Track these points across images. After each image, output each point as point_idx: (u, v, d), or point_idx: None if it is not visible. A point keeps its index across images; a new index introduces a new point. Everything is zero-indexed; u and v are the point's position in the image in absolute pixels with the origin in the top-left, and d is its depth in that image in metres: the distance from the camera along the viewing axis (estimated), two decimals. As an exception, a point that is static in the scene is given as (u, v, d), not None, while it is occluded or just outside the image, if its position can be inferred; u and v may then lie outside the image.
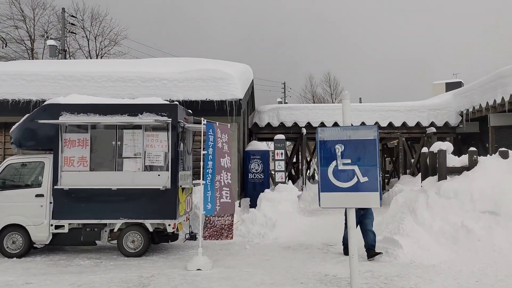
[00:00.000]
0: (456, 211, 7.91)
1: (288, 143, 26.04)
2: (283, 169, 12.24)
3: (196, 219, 9.92)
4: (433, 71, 60.10)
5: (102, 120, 7.64)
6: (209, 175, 7.36)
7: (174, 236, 8.12)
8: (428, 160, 8.97)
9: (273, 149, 12.67)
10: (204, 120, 7.41)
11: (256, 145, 13.17)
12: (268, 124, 16.22)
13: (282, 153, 12.30)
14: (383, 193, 17.77)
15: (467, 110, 15.05)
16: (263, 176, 12.85)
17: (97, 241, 7.93)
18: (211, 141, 7.36)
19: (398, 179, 17.40)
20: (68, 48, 26.98)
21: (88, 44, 27.97)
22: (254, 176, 12.89)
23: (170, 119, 7.66)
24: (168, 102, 8.29)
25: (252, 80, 15.36)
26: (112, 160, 7.73)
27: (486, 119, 15.32)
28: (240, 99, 11.46)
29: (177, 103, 7.88)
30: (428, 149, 15.91)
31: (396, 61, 67.90)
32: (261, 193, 10.79)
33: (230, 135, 12.13)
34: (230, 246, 8.60)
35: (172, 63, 12.73)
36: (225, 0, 77.58)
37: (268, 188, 12.63)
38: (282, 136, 12.54)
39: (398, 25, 76.59)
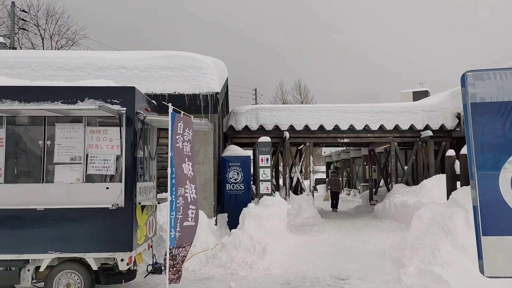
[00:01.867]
0: (509, 231, 5.89)
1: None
2: (269, 178, 10.00)
3: (162, 244, 7.50)
4: (400, 80, 59.77)
5: (23, 109, 5.16)
6: (174, 189, 5.04)
7: (130, 274, 5.66)
8: (459, 165, 6.94)
9: (257, 155, 10.35)
10: (170, 107, 5.08)
11: (235, 150, 10.87)
12: (246, 128, 13.97)
13: (267, 159, 10.05)
14: (374, 203, 15.84)
15: (466, 111, 13.30)
16: (243, 187, 10.54)
17: (15, 285, 5.39)
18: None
19: (389, 189, 15.48)
20: (20, 46, 23.89)
21: (43, 43, 24.92)
22: (233, 186, 10.57)
23: (125, 109, 5.28)
24: (123, 86, 5.87)
25: (227, 78, 13.07)
26: (38, 168, 5.26)
27: (486, 122, 13.67)
28: (217, 93, 9.16)
29: (135, 86, 5.49)
30: (424, 154, 14.12)
31: (364, 71, 67.33)
32: (244, 209, 8.49)
33: (205, 136, 9.82)
34: (209, 284, 6.24)
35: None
36: (197, 9, 75.23)
37: (250, 201, 10.33)
38: (267, 139, 10.29)
39: (367, 36, 76.43)
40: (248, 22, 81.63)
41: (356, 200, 20.71)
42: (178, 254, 5.24)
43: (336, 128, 14.03)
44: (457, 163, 7.18)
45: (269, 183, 9.85)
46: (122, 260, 5.16)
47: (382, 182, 18.19)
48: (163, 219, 7.67)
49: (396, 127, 14.01)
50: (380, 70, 66.32)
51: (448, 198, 7.13)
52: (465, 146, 7.67)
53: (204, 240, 7.59)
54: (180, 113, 5.39)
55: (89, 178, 5.27)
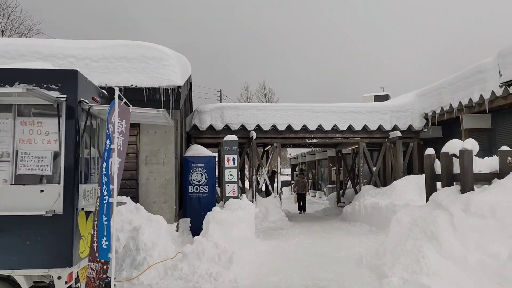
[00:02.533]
0: (497, 236, 5.37)
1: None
2: (236, 179, 9.19)
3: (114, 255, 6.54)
4: (362, 84, 60.55)
5: None
6: (105, 188, 4.17)
7: (71, 293, 4.71)
8: (440, 165, 6.40)
9: (222, 154, 9.51)
10: (117, 91, 4.21)
11: (199, 150, 10.01)
12: (211, 127, 13.14)
13: (234, 159, 9.23)
14: (341, 206, 15.34)
15: (434, 111, 13.03)
16: (207, 189, 9.70)
17: None
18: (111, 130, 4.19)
19: (357, 190, 15.03)
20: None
21: (-6, 37, 23.05)
22: (196, 189, 9.70)
23: (65, 96, 4.36)
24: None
25: (190, 76, 12.18)
26: (-46, 166, 4.25)
27: (453, 122, 13.43)
28: (179, 87, 8.30)
29: (78, 70, 4.57)
30: (393, 155, 13.71)
31: (327, 75, 67.82)
32: (208, 213, 7.66)
33: (165, 134, 8.92)
34: (167, 300, 5.38)
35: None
36: (162, 10, 73.52)
37: (215, 204, 9.51)
38: (234, 137, 9.48)
39: (328, 41, 77.17)
40: (212, 24, 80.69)
41: (323, 202, 20.24)
42: (99, 268, 4.28)
43: (305, 128, 13.44)
44: (437, 162, 6.66)
45: (236, 185, 9.07)
46: (59, 277, 4.22)
47: (349, 184, 17.79)
48: (116, 225, 6.72)
49: (365, 128, 13.58)
50: (341, 74, 67.04)
51: (427, 199, 6.60)
52: (428, 149, 7.19)
53: (162, 248, 6.71)
54: (122, 99, 4.50)
55: (20, 179, 4.31)
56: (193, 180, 9.72)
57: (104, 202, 4.14)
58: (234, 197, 8.97)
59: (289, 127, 13.34)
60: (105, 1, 65.12)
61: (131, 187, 8.57)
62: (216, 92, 39.80)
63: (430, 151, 6.77)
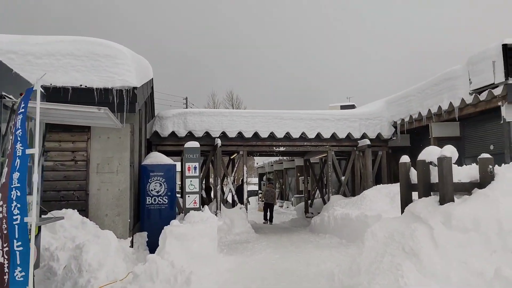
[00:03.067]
0: (480, 251, 4.88)
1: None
2: (198, 189, 8.41)
3: (52, 278, 5.66)
4: (328, 94, 61.07)
5: None
6: (15, 205, 3.30)
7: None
8: (417, 174, 5.91)
9: (183, 162, 8.72)
10: (37, 83, 3.44)
11: (158, 158, 9.21)
12: (173, 134, 12.35)
13: (195, 168, 8.46)
14: (310, 216, 14.74)
15: (402, 119, 12.75)
16: (167, 200, 8.89)
17: None
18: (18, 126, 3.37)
19: (325, 200, 14.53)
20: None
21: None
22: (155, 200, 8.88)
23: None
24: None
25: (152, 80, 11.38)
26: None
27: (422, 131, 13.19)
28: (134, 88, 7.51)
29: (-2, 58, 3.76)
30: (362, 164, 13.32)
31: (295, 84, 68.11)
32: (165, 228, 6.88)
33: (120, 140, 8.09)
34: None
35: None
36: (126, 16, 71.99)
37: (175, 217, 8.72)
38: (195, 144, 8.71)
39: (293, 51, 77.76)
40: (179, 32, 79.73)
41: (290, 212, 19.68)
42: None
43: (272, 136, 12.86)
44: (413, 171, 6.18)
45: (198, 195, 8.31)
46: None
47: (317, 194, 17.31)
48: (56, 243, 5.85)
49: (333, 136, 13.14)
50: (307, 85, 67.50)
51: (402, 211, 6.09)
52: (404, 157, 6.75)
53: (111, 268, 5.87)
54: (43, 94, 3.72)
55: None
56: (151, 190, 8.90)
57: (15, 223, 3.30)
58: (195, 209, 8.21)
59: (256, 135, 12.72)
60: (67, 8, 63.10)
61: (79, 199, 7.67)
62: (182, 100, 38.82)
63: (405, 158, 6.27)
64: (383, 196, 9.79)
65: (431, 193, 5.77)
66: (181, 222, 7.88)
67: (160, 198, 8.89)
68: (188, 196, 8.31)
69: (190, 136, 12.36)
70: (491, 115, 10.18)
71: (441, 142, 11.97)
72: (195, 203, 8.24)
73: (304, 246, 9.48)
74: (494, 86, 9.25)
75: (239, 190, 13.48)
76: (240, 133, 12.67)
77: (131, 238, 7.84)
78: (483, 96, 9.50)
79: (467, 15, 76.42)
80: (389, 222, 5.89)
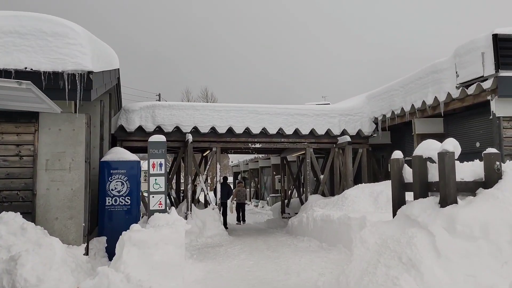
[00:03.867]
0: (489, 261, 4.15)
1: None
2: (163, 189, 7.43)
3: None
4: (302, 94, 60.74)
5: None
6: None
7: None
8: (412, 171, 5.15)
9: (147, 158, 7.67)
10: None
11: (120, 153, 8.19)
12: (140, 128, 11.33)
13: (161, 164, 7.46)
14: (286, 217, 13.91)
15: (384, 115, 12.09)
16: (129, 201, 7.89)
17: None
18: None
19: (303, 200, 13.75)
20: None
21: None
22: (116, 201, 7.87)
23: None
24: None
25: (118, 71, 10.29)
26: None
27: (403, 127, 12.59)
28: (90, 72, 6.49)
29: None
30: (341, 162, 12.60)
31: (267, 84, 67.48)
32: (123, 233, 5.92)
33: (73, 133, 7.04)
34: None
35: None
36: (102, 11, 69.70)
37: (138, 220, 7.74)
38: (161, 137, 7.70)
39: (266, 52, 77.17)
40: (152, 28, 77.79)
41: (266, 212, 18.87)
42: None
43: (247, 132, 11.99)
44: (407, 168, 5.41)
45: (163, 195, 7.34)
46: None
47: (294, 193, 16.55)
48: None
49: (312, 132, 12.38)
50: (282, 85, 66.99)
51: (394, 213, 5.31)
52: (396, 152, 6.01)
53: (54, 284, 4.89)
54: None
55: None
56: (112, 190, 7.88)
57: None
58: (160, 211, 7.25)
59: (230, 130, 11.83)
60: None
61: (24, 200, 6.59)
62: (155, 96, 37.44)
63: (398, 154, 5.50)
64: (366, 196, 9.07)
65: (429, 193, 5.02)
66: (144, 226, 6.91)
67: (122, 198, 7.88)
68: (153, 197, 7.32)
69: (159, 131, 11.37)
70: (478, 110, 9.60)
71: (424, 139, 11.29)
72: (160, 204, 7.27)
73: (282, 251, 8.66)
74: (483, 79, 8.65)
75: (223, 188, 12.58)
76: (213, 128, 11.75)
77: (86, 244, 6.82)
78: (471, 90, 8.88)
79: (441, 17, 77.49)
80: (380, 226, 5.10)
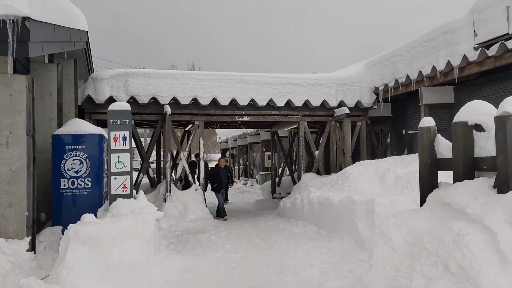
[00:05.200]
0: None
1: (144, 129, 20.52)
2: (128, 169, 5.92)
3: None
4: (293, 69, 59.03)
5: None
6: None
7: None
8: (453, 144, 3.76)
9: (108, 130, 6.13)
10: None
11: (79, 126, 6.67)
12: (111, 99, 9.74)
13: (125, 138, 5.88)
14: (277, 197, 12.61)
15: (386, 85, 10.68)
16: (90, 184, 6.44)
17: None
18: None
19: (295, 179, 12.41)
20: None
21: None
22: (73, 183, 6.41)
23: None
24: None
25: (86, 33, 8.61)
26: None
27: (405, 99, 11.23)
28: (26, 19, 4.91)
29: None
30: (338, 136, 11.21)
31: (259, 58, 65.48)
32: (70, 227, 4.49)
33: (10, 99, 5.49)
34: None
35: None
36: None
37: (100, 206, 6.31)
38: (124, 105, 6.06)
39: (261, 24, 74.84)
40: (137, 3, 74.64)
41: (255, 191, 17.56)
42: None
43: (234, 103, 10.52)
44: (440, 140, 4.03)
45: (128, 177, 5.84)
46: None
47: (286, 171, 15.21)
48: None
49: (306, 103, 10.96)
50: (272, 60, 64.99)
51: (423, 200, 3.96)
52: (426, 119, 4.65)
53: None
54: None
55: None
56: (68, 170, 6.41)
57: None
58: (124, 196, 5.83)
59: (214, 101, 10.34)
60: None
61: None
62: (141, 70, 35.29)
63: (428, 121, 4.09)
64: (370, 175, 7.73)
65: (475, 173, 3.68)
66: (104, 215, 5.50)
67: (81, 180, 6.42)
68: (115, 178, 5.83)
69: (134, 102, 9.85)
70: (499, 75, 8.26)
71: (432, 110, 10.04)
72: (124, 187, 5.80)
73: (274, 238, 7.34)
74: (507, 37, 7.25)
75: (194, 167, 11.12)
76: (195, 100, 10.25)
77: (31, 238, 5.39)
78: (492, 51, 7.48)
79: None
80: (408, 217, 3.75)
